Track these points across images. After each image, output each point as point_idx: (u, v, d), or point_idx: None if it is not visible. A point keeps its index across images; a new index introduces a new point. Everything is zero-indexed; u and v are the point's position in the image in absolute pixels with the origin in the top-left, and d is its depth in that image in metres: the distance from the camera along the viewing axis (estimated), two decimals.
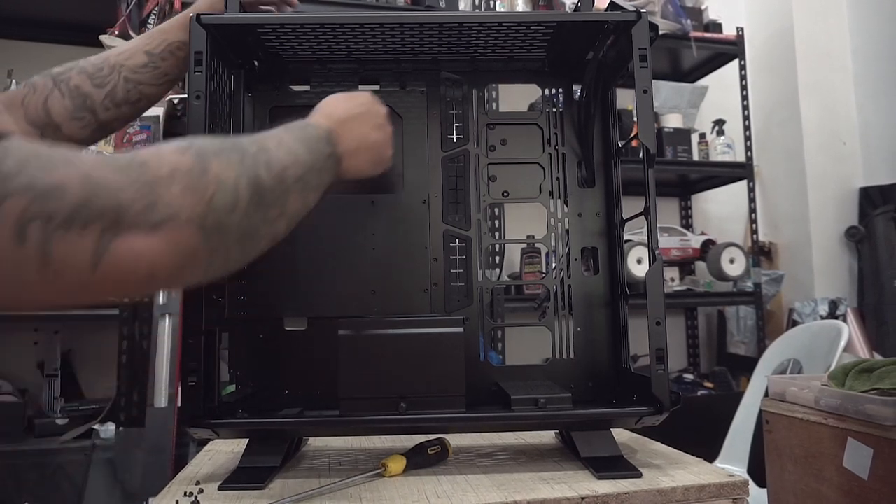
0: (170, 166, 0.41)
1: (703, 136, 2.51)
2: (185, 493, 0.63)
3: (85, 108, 0.71)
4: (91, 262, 0.37)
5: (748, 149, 2.44)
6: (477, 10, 2.12)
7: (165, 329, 1.56)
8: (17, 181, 0.35)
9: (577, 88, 0.86)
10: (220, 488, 0.65)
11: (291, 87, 0.85)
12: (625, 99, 2.16)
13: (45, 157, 0.37)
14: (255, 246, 0.49)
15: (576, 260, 0.83)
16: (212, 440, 0.84)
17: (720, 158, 2.47)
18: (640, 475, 0.64)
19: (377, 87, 0.85)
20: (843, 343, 1.54)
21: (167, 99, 1.69)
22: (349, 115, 0.62)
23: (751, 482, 0.66)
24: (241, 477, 0.67)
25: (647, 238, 0.70)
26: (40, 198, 0.36)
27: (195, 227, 0.41)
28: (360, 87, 0.85)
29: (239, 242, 0.46)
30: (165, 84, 0.75)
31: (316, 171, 0.54)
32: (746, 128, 2.46)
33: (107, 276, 0.38)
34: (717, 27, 2.52)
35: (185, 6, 1.71)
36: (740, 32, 2.49)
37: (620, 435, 0.82)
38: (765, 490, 1.11)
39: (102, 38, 1.65)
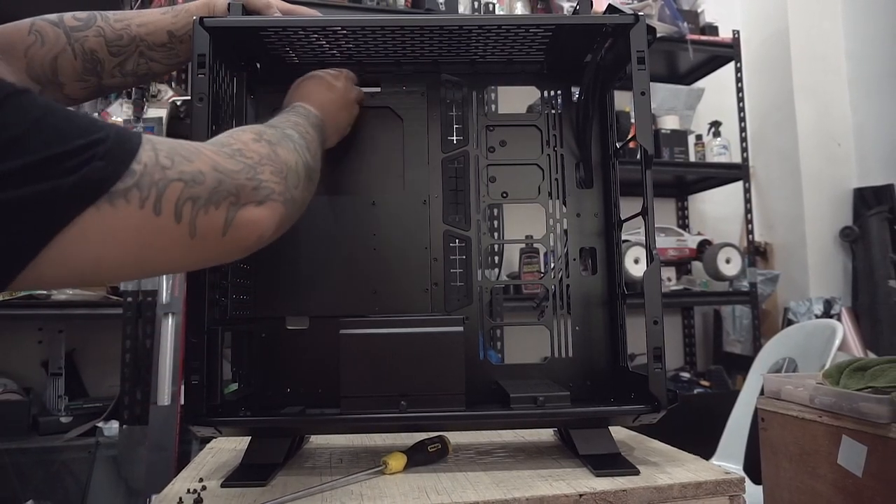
0: (257, 154, 0.52)
1: (699, 137, 2.52)
2: (189, 490, 0.64)
3: (94, 72, 0.68)
4: (223, 230, 0.48)
5: (744, 150, 2.46)
6: (476, 14, 2.13)
7: (168, 328, 1.57)
8: (172, 171, 0.44)
9: (575, 90, 0.87)
10: (222, 485, 0.66)
11: None
12: (623, 101, 2.18)
13: (184, 150, 0.47)
14: (301, 210, 0.60)
15: (574, 260, 0.84)
16: (214, 438, 0.85)
17: (716, 160, 2.48)
18: (637, 472, 0.65)
19: (378, 89, 0.85)
20: (837, 342, 1.55)
21: (170, 101, 1.69)
22: (327, 100, 0.74)
23: (747, 479, 0.67)
24: (244, 474, 0.68)
25: (644, 238, 0.71)
26: (189, 183, 0.45)
27: (282, 200, 0.53)
28: (362, 88, 0.85)
29: (298, 210, 0.58)
30: (175, 65, 0.74)
31: (321, 143, 0.67)
32: (742, 129, 2.48)
33: (232, 240, 0.49)
34: (713, 30, 2.54)
35: None
36: (736, 35, 2.50)
37: (618, 433, 0.83)
38: (760, 487, 1.12)
39: None
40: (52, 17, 0.67)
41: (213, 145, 0.50)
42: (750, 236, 2.47)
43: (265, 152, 0.53)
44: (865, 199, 2.63)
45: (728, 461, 1.71)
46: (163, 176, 0.44)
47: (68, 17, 0.68)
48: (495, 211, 1.81)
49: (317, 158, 0.64)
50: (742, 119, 2.49)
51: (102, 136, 0.41)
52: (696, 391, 2.36)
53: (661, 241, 2.42)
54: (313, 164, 0.62)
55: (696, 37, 2.45)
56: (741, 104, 2.50)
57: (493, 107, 1.99)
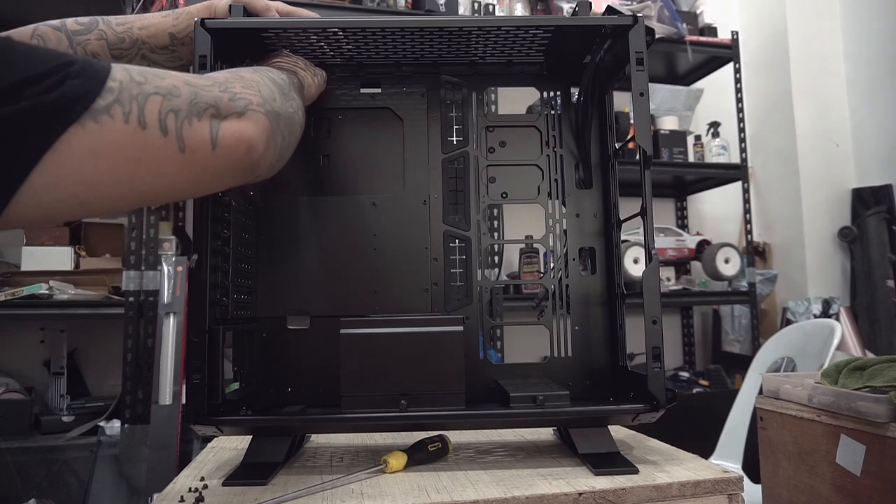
0: (223, 75, 0.53)
1: (698, 138, 2.53)
2: (190, 489, 0.64)
3: None
4: (211, 144, 0.48)
5: (743, 150, 2.47)
6: (476, 15, 2.14)
7: (170, 328, 1.57)
8: (147, 86, 0.45)
9: (574, 91, 0.87)
10: (223, 484, 0.66)
11: None
12: (622, 101, 2.19)
13: (153, 71, 0.47)
14: (293, 131, 0.61)
15: (573, 260, 0.84)
16: (216, 437, 0.85)
17: (715, 160, 2.49)
18: (636, 471, 0.65)
19: (378, 90, 0.86)
20: (835, 341, 1.56)
21: None
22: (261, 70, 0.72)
23: (745, 478, 0.67)
24: (245, 473, 0.68)
25: (643, 238, 0.71)
26: (167, 96, 0.46)
27: (263, 111, 0.53)
28: (362, 89, 0.86)
29: (285, 126, 0.58)
30: (177, 68, 0.73)
31: (291, 85, 0.66)
32: (741, 130, 2.49)
33: (223, 153, 0.49)
34: (712, 31, 2.55)
35: None
36: (735, 36, 2.51)
37: (617, 432, 0.84)
38: (759, 486, 1.12)
39: None
40: (55, 22, 0.68)
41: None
42: (749, 236, 2.48)
43: (228, 75, 0.54)
44: (864, 199, 2.63)
45: (727, 460, 1.72)
46: (140, 91, 0.44)
47: (70, 21, 0.68)
48: (495, 211, 1.81)
49: (290, 86, 0.63)
50: (741, 120, 2.50)
51: (71, 60, 0.42)
52: (695, 390, 2.37)
53: (660, 242, 2.42)
54: (280, 81, 0.61)
55: (694, 38, 2.45)
56: (740, 105, 2.51)
57: (493, 108, 2.00)
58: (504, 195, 0.85)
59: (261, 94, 0.54)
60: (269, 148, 0.54)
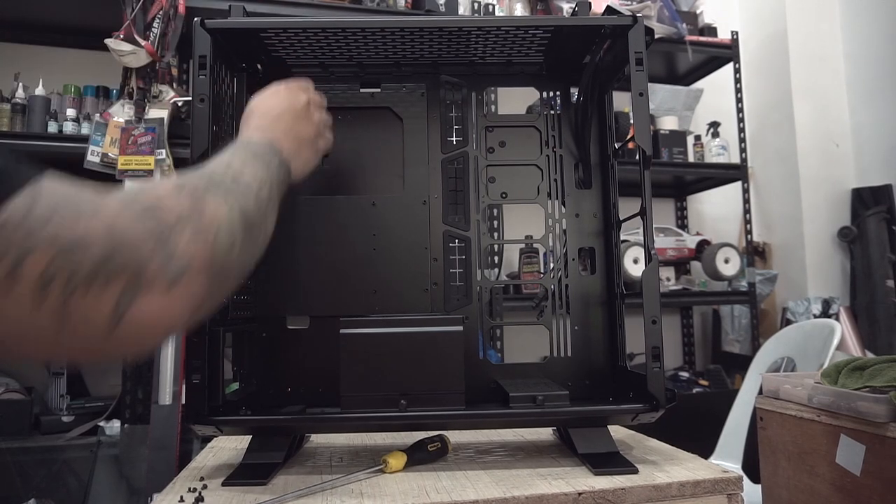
0: (174, 213, 0.40)
1: (698, 138, 2.53)
2: (189, 489, 0.64)
3: None
4: (109, 323, 0.35)
5: (742, 150, 2.47)
6: (476, 15, 2.14)
7: None
8: (44, 232, 0.34)
9: (574, 91, 0.87)
10: (223, 484, 0.66)
11: None
12: (621, 101, 2.18)
13: (74, 205, 0.36)
14: (245, 272, 0.49)
15: (573, 260, 0.84)
16: (215, 437, 0.85)
17: (715, 160, 2.49)
18: (636, 471, 0.65)
19: (378, 90, 0.86)
20: (835, 341, 1.56)
21: (171, 101, 1.70)
22: (278, 118, 0.64)
23: (745, 478, 0.67)
24: (245, 473, 0.68)
25: (643, 238, 0.72)
26: (64, 252, 0.34)
27: (205, 275, 0.40)
28: (361, 89, 0.86)
29: (236, 276, 0.46)
30: None
31: (277, 183, 0.56)
32: (741, 130, 2.49)
33: (124, 338, 0.36)
34: (711, 31, 2.55)
35: (188, 10, 1.72)
36: (735, 36, 2.51)
37: (617, 432, 0.84)
38: (759, 486, 1.12)
39: (108, 41, 1.66)
40: None
41: (122, 201, 0.39)
42: (748, 236, 2.48)
43: (186, 209, 0.41)
44: (863, 199, 2.63)
45: (727, 460, 1.72)
46: (27, 235, 0.33)
47: None
48: (495, 211, 1.81)
49: (267, 203, 0.52)
50: (741, 120, 2.50)
51: None
52: (694, 390, 2.37)
53: (660, 242, 2.42)
54: (255, 209, 0.48)
55: (694, 38, 2.45)
56: (740, 105, 2.51)
57: (493, 108, 2.00)
58: (504, 195, 0.86)
59: (216, 241, 0.42)
60: (197, 316, 0.42)
